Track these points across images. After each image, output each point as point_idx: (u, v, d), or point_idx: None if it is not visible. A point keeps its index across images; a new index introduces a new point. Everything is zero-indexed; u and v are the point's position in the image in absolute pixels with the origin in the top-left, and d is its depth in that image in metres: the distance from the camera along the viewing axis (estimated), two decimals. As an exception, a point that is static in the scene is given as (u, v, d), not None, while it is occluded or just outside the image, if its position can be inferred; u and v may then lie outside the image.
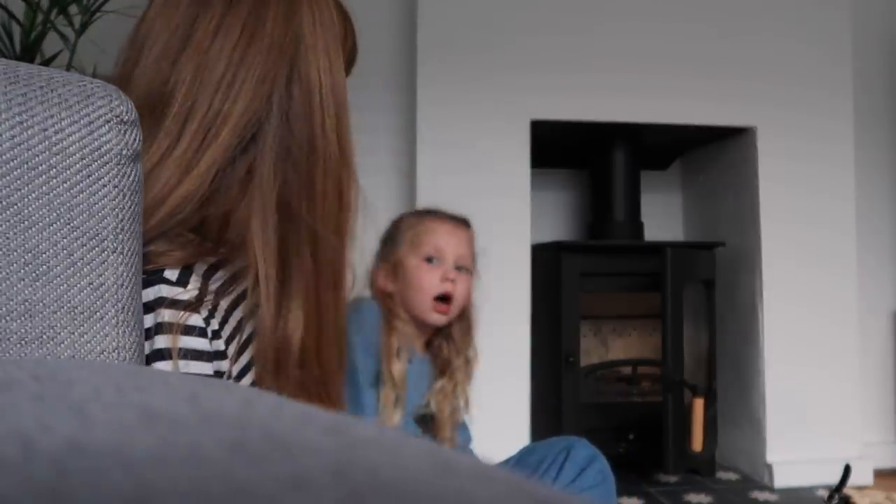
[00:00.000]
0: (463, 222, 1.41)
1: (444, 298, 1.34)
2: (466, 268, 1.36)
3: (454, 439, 1.36)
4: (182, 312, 0.56)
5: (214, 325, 0.59)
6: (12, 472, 0.15)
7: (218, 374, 0.60)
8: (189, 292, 0.57)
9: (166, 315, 0.55)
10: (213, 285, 0.60)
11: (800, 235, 2.19)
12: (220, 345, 0.59)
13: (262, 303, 0.61)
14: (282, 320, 0.62)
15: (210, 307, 0.59)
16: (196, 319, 0.57)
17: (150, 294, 0.56)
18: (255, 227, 0.61)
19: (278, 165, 0.62)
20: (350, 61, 0.75)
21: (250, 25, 0.62)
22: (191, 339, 0.56)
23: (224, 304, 0.61)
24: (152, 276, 0.56)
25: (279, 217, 0.62)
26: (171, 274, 0.57)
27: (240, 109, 0.61)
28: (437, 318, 1.33)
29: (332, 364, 0.66)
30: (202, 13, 0.62)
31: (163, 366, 0.55)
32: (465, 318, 1.39)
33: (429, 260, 1.34)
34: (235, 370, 0.61)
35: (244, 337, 0.63)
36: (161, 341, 0.55)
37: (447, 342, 1.39)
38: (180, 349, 0.55)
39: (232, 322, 0.61)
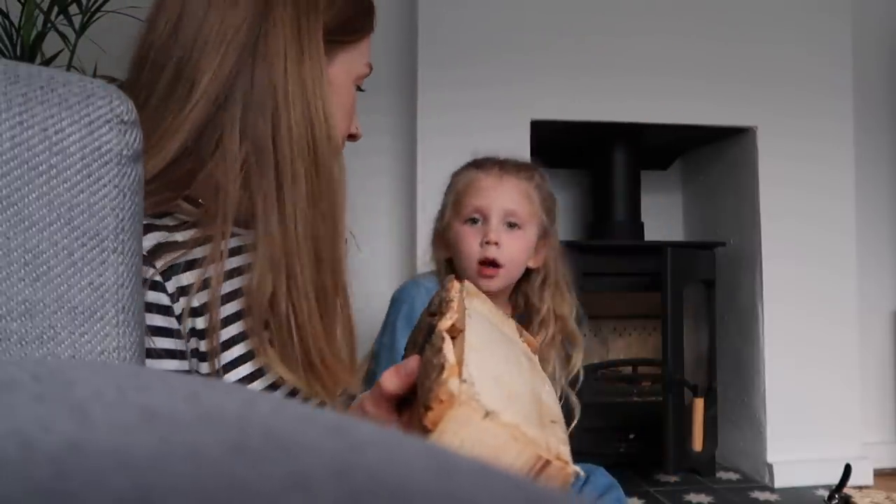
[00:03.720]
0: (517, 169, 1.23)
1: (490, 262, 1.18)
2: (518, 224, 1.20)
3: None
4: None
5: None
6: (12, 472, 0.15)
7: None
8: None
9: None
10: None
11: (800, 235, 2.19)
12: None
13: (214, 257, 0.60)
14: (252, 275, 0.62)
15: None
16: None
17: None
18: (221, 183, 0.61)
19: (244, 139, 0.62)
20: (360, 14, 0.73)
21: None
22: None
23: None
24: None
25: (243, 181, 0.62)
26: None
27: (209, 68, 0.62)
28: (486, 283, 1.16)
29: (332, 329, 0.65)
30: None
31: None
32: (543, 274, 1.23)
33: (473, 221, 1.20)
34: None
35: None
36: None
37: (524, 304, 1.24)
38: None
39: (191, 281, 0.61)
